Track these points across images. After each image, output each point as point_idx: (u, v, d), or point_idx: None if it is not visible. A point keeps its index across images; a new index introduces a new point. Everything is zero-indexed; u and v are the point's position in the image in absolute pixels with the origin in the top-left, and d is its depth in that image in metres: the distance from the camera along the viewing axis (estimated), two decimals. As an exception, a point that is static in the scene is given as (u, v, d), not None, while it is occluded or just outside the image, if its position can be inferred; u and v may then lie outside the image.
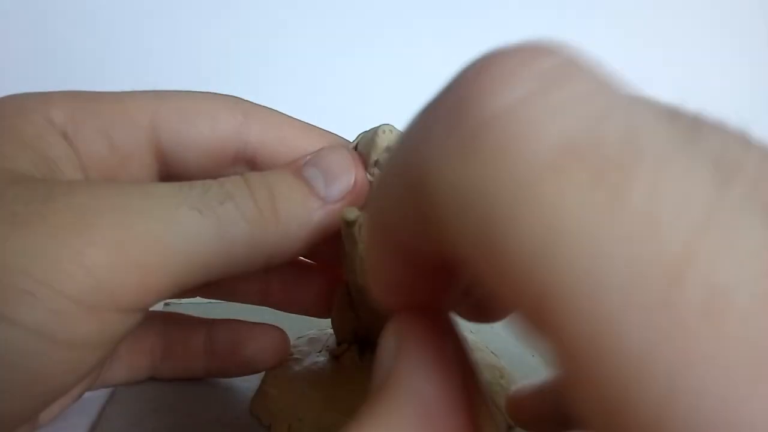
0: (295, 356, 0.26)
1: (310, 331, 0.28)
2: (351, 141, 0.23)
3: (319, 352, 0.26)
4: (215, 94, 0.23)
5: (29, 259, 0.14)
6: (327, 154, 0.20)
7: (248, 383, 0.26)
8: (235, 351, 0.25)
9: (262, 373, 0.25)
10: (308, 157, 0.20)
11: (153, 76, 0.50)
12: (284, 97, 0.51)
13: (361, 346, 0.25)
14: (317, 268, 0.26)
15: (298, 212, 0.19)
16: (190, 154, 0.22)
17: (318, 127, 0.24)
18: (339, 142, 0.23)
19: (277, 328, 0.26)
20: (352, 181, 0.20)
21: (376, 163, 0.21)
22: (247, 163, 0.23)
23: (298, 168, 0.20)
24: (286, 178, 0.19)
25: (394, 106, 0.47)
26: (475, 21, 0.55)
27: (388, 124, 0.21)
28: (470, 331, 0.30)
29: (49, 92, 0.20)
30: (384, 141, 0.21)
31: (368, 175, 0.21)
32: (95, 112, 0.20)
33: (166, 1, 0.50)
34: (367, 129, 0.22)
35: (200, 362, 0.25)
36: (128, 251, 0.15)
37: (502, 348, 0.28)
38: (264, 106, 0.23)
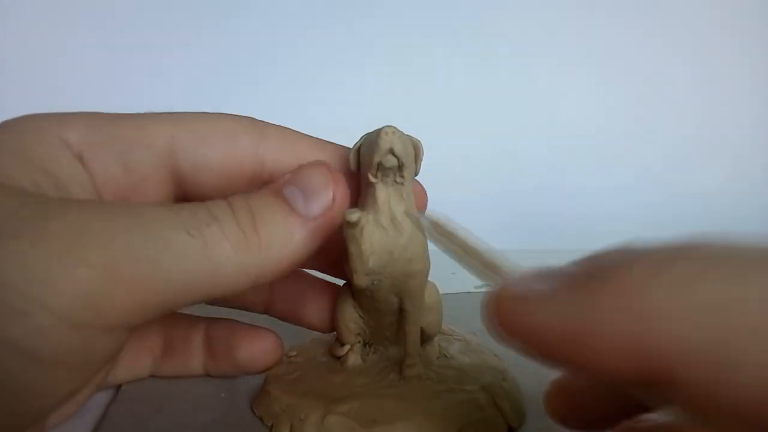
0: (298, 357, 0.26)
1: (313, 332, 0.28)
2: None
3: (322, 353, 0.27)
4: (231, 115, 0.23)
5: (20, 275, 0.14)
6: (305, 172, 0.20)
7: (251, 383, 0.26)
8: (229, 353, 0.25)
9: (265, 374, 0.26)
10: (287, 176, 0.20)
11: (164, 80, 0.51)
12: (287, 103, 0.52)
13: (363, 347, 0.26)
14: (322, 284, 0.27)
15: (279, 232, 0.19)
16: (206, 176, 0.22)
17: (332, 143, 0.24)
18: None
19: (272, 332, 0.26)
20: (331, 196, 0.20)
21: (379, 165, 0.21)
22: (263, 184, 0.22)
23: (278, 188, 0.20)
24: (267, 200, 0.19)
25: (394, 110, 0.47)
26: (475, 21, 0.55)
27: (390, 126, 0.21)
28: (473, 333, 0.30)
29: (67, 113, 0.20)
30: (387, 143, 0.21)
31: (370, 176, 0.21)
32: (112, 135, 0.20)
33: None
34: (370, 131, 0.22)
35: (199, 360, 0.26)
36: (118, 270, 0.15)
37: (504, 351, 0.27)
38: (279, 126, 0.23)
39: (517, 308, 0.13)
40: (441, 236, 0.18)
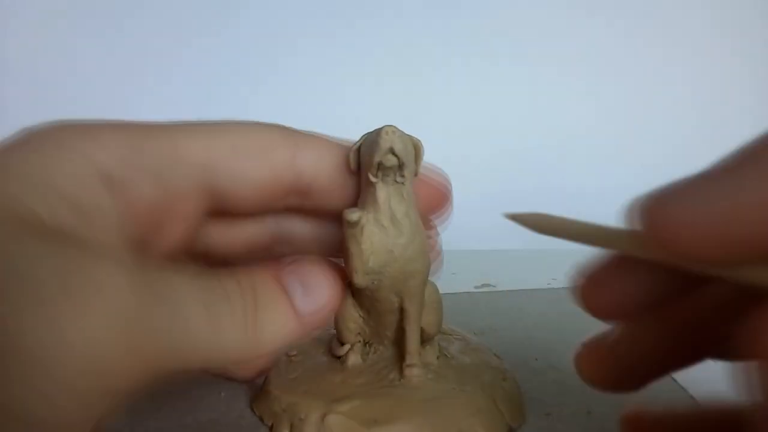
0: (298, 356, 0.26)
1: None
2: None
3: (322, 352, 0.27)
4: (264, 125, 0.22)
5: (30, 341, 0.14)
6: (308, 267, 0.21)
7: (251, 384, 0.26)
8: None
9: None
10: (293, 266, 0.20)
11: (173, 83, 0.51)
12: (287, 104, 0.52)
13: (363, 346, 0.26)
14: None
15: (273, 322, 0.19)
16: (243, 191, 0.21)
17: None
18: None
19: None
20: (327, 298, 0.20)
21: (379, 164, 0.21)
22: (299, 195, 0.22)
23: (281, 277, 0.20)
24: (270, 287, 0.19)
25: (394, 110, 0.47)
26: (475, 21, 0.55)
27: (390, 125, 0.21)
28: (473, 333, 0.30)
29: (95, 126, 0.19)
30: (387, 142, 0.20)
31: (370, 176, 0.21)
32: (147, 153, 0.19)
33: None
34: (371, 130, 0.22)
35: None
36: (131, 341, 0.15)
37: (504, 351, 0.28)
38: (312, 134, 0.23)
39: (672, 202, 0.13)
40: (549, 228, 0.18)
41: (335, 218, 0.23)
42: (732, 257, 0.12)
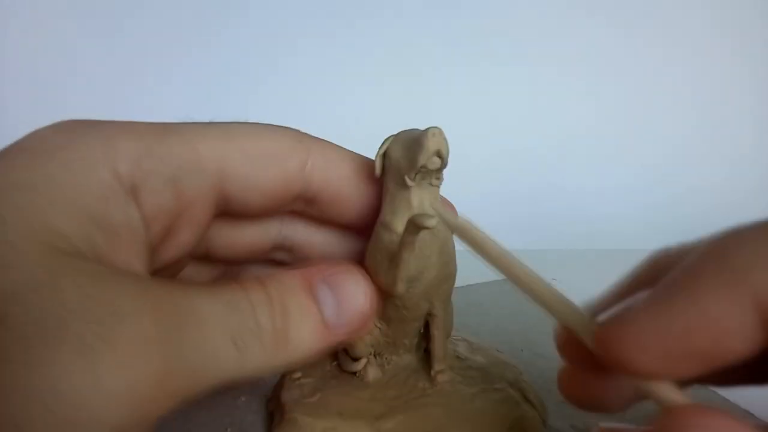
0: (306, 377, 0.25)
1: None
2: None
3: (328, 369, 0.26)
4: (279, 129, 0.22)
5: (86, 392, 0.13)
6: (341, 276, 0.20)
7: (258, 415, 0.25)
8: None
9: (266, 402, 0.24)
10: (325, 272, 0.19)
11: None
12: (288, 105, 0.51)
13: (376, 358, 0.25)
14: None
15: (304, 339, 0.18)
16: (254, 196, 0.21)
17: (372, 161, 0.23)
18: None
19: None
20: (364, 313, 0.19)
21: (423, 167, 0.20)
22: (306, 202, 0.22)
23: (312, 284, 0.19)
24: (301, 300, 0.18)
25: (394, 111, 0.47)
26: (475, 22, 0.55)
27: (436, 127, 0.20)
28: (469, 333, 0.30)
29: (115, 131, 0.18)
30: (435, 144, 0.19)
31: (407, 180, 0.20)
32: (163, 159, 0.19)
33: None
34: (396, 132, 0.21)
35: None
36: (168, 381, 0.15)
37: (503, 347, 0.28)
38: (323, 141, 0.22)
39: (623, 330, 0.14)
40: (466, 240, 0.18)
41: (338, 227, 0.24)
42: (663, 371, 0.14)
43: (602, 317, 0.15)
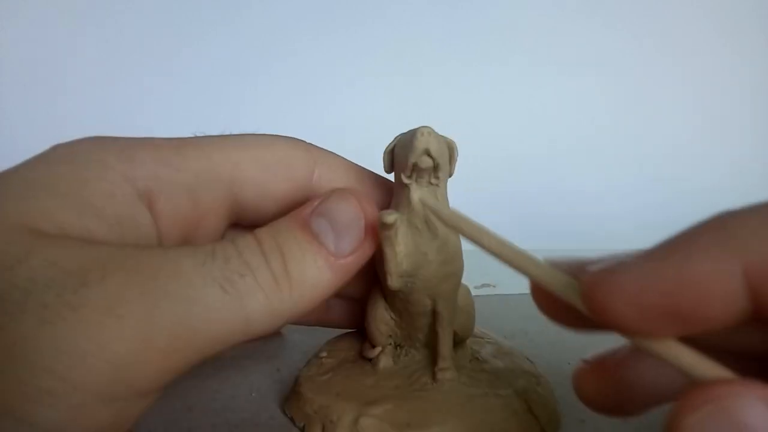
0: (329, 357, 0.26)
1: (343, 333, 0.28)
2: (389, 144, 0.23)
3: (353, 354, 0.26)
4: (288, 139, 0.23)
5: (54, 356, 0.14)
6: (334, 204, 0.19)
7: (282, 384, 0.26)
8: None
9: (296, 374, 0.26)
10: (316, 205, 0.19)
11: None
12: (288, 105, 0.51)
13: (394, 349, 0.25)
14: None
15: (309, 273, 0.18)
16: (267, 205, 0.22)
17: (381, 177, 0.24)
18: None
19: None
20: (362, 233, 0.19)
21: (414, 166, 0.20)
22: None
23: (306, 219, 0.19)
24: (296, 237, 0.18)
25: (394, 112, 0.47)
26: (476, 24, 0.55)
27: (426, 126, 0.21)
28: (504, 336, 0.29)
29: (133, 144, 0.19)
30: (423, 143, 0.20)
31: (404, 177, 0.21)
32: (180, 169, 0.20)
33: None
34: (405, 131, 0.22)
35: None
36: (153, 340, 0.15)
37: (536, 355, 0.27)
38: (329, 152, 0.24)
39: (612, 279, 0.14)
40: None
41: None
42: (648, 328, 0.14)
43: (593, 267, 0.15)
